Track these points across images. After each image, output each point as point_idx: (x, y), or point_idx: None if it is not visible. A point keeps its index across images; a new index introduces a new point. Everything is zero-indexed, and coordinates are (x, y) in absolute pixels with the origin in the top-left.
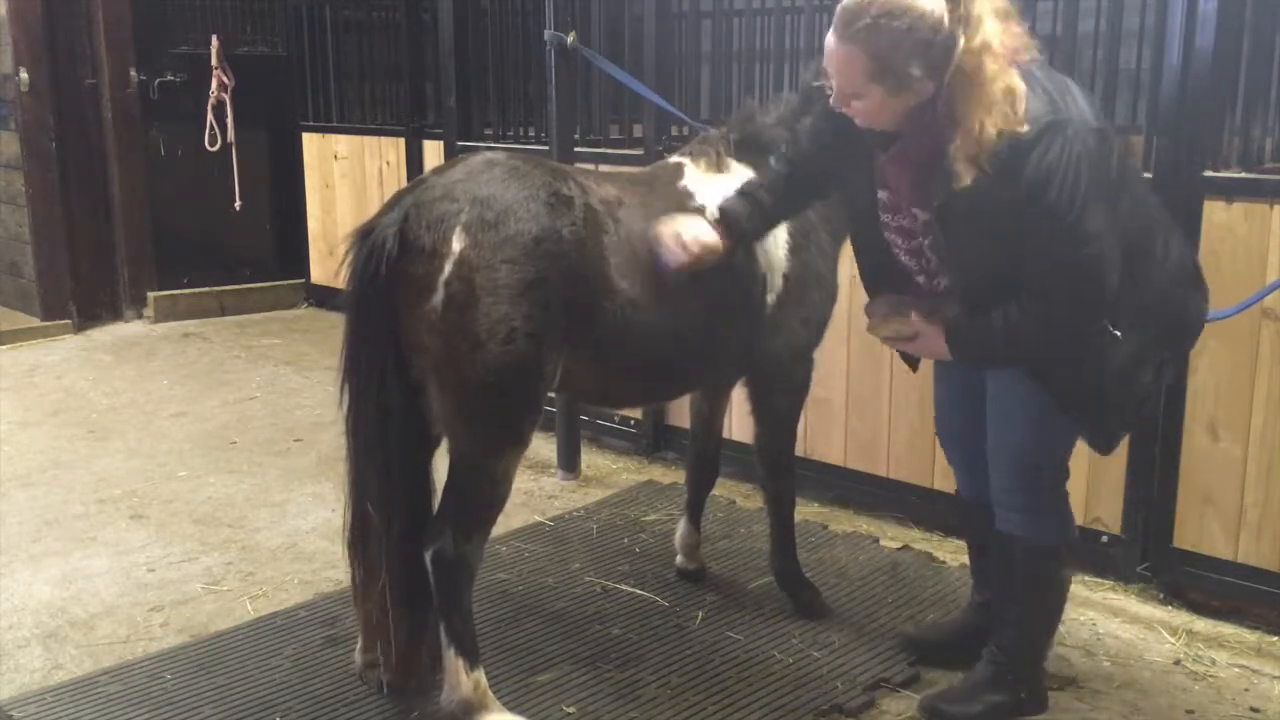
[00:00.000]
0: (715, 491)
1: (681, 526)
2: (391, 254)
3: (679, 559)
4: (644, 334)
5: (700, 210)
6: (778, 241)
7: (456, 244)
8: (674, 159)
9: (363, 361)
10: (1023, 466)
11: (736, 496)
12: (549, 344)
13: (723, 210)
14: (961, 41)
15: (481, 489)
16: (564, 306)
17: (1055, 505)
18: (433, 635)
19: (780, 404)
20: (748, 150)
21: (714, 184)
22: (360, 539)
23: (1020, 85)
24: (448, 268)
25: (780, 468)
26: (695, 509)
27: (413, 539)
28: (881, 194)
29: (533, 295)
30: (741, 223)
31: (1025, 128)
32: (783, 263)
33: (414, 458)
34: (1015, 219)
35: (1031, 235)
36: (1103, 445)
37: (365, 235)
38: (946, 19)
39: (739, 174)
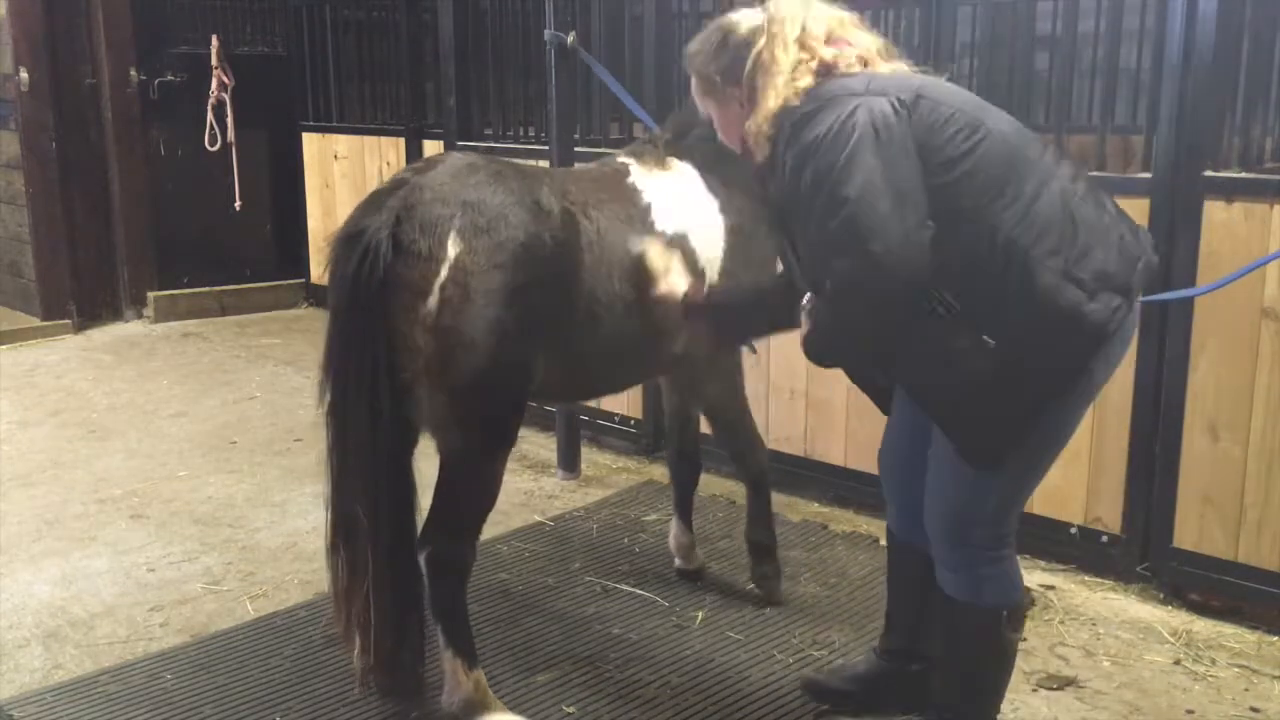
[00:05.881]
0: (715, 491)
1: (673, 528)
2: (387, 257)
3: (676, 561)
4: (603, 330)
5: (648, 208)
6: (714, 237)
7: (452, 249)
8: (620, 158)
9: (352, 363)
10: (953, 525)
11: (736, 496)
12: (535, 345)
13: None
14: (761, 40)
15: (473, 489)
16: (545, 309)
17: (994, 568)
18: (416, 636)
19: (715, 390)
20: (683, 147)
21: (658, 180)
22: (345, 541)
23: (812, 65)
24: (444, 272)
25: (746, 448)
26: (684, 508)
27: (399, 540)
28: None
29: (521, 299)
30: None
31: (798, 100)
32: (719, 258)
33: (399, 459)
34: (801, 202)
35: (810, 212)
36: (981, 461)
37: (354, 237)
38: (745, 28)
39: (679, 169)
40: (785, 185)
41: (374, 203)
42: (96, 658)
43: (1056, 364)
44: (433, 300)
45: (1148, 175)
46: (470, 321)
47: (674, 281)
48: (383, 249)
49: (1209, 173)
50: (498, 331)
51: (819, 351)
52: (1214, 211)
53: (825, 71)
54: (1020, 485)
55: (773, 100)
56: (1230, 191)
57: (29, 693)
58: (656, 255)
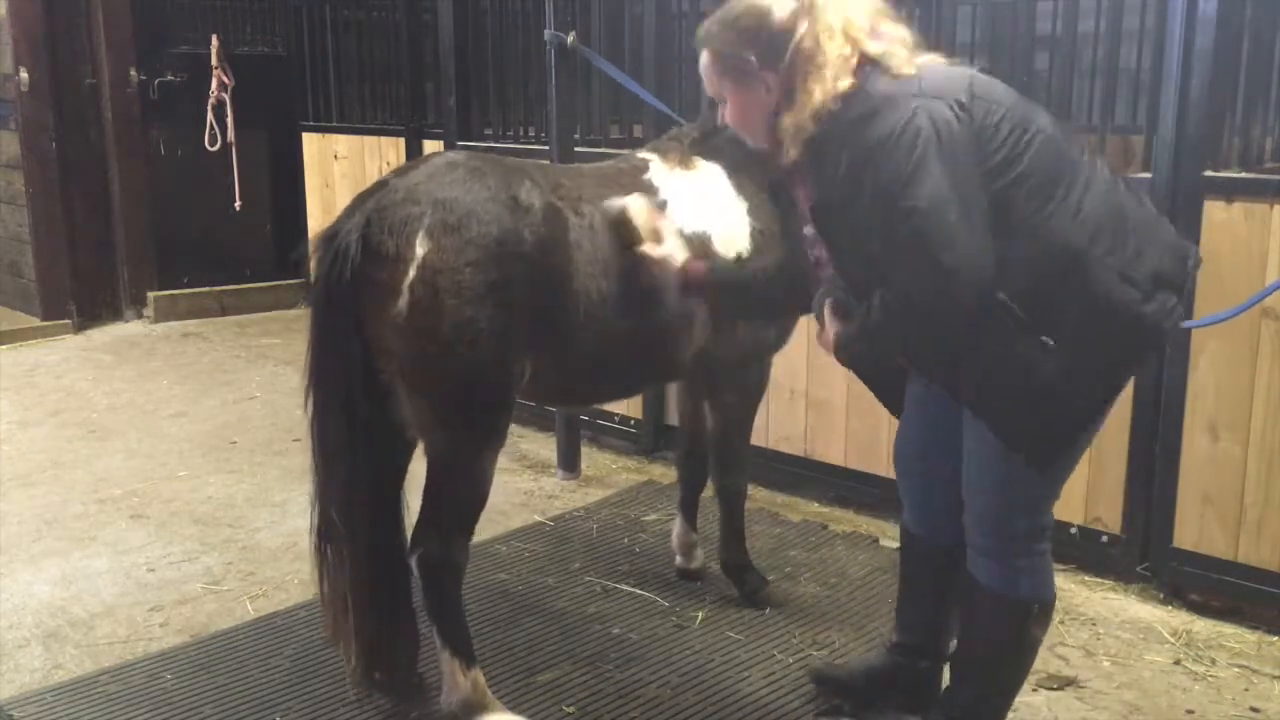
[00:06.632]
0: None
1: (677, 526)
2: (356, 259)
3: (677, 559)
4: (605, 331)
5: (663, 205)
6: (739, 241)
7: (420, 248)
8: (641, 154)
9: (329, 367)
10: (996, 516)
11: None
12: (515, 345)
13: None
14: (803, 26)
15: (459, 489)
16: (528, 307)
17: (1031, 560)
18: (408, 637)
19: (732, 402)
20: (711, 146)
21: (679, 178)
22: (327, 544)
23: (854, 61)
24: (412, 272)
25: (731, 463)
26: (689, 508)
27: (380, 542)
28: (806, 230)
29: (496, 297)
30: None
31: (838, 101)
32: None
33: (382, 462)
34: (862, 206)
35: (871, 219)
36: (1036, 461)
37: (329, 240)
38: (782, 10)
39: (705, 169)
40: (836, 187)
41: (354, 205)
42: (96, 658)
43: (1115, 364)
44: (403, 301)
45: (1148, 175)
46: (441, 321)
47: (669, 249)
48: (351, 251)
49: (1209, 173)
50: (471, 331)
51: (860, 355)
52: (1214, 211)
53: (865, 68)
54: (1061, 477)
55: (818, 96)
56: (1230, 191)
57: (29, 693)
58: (639, 212)
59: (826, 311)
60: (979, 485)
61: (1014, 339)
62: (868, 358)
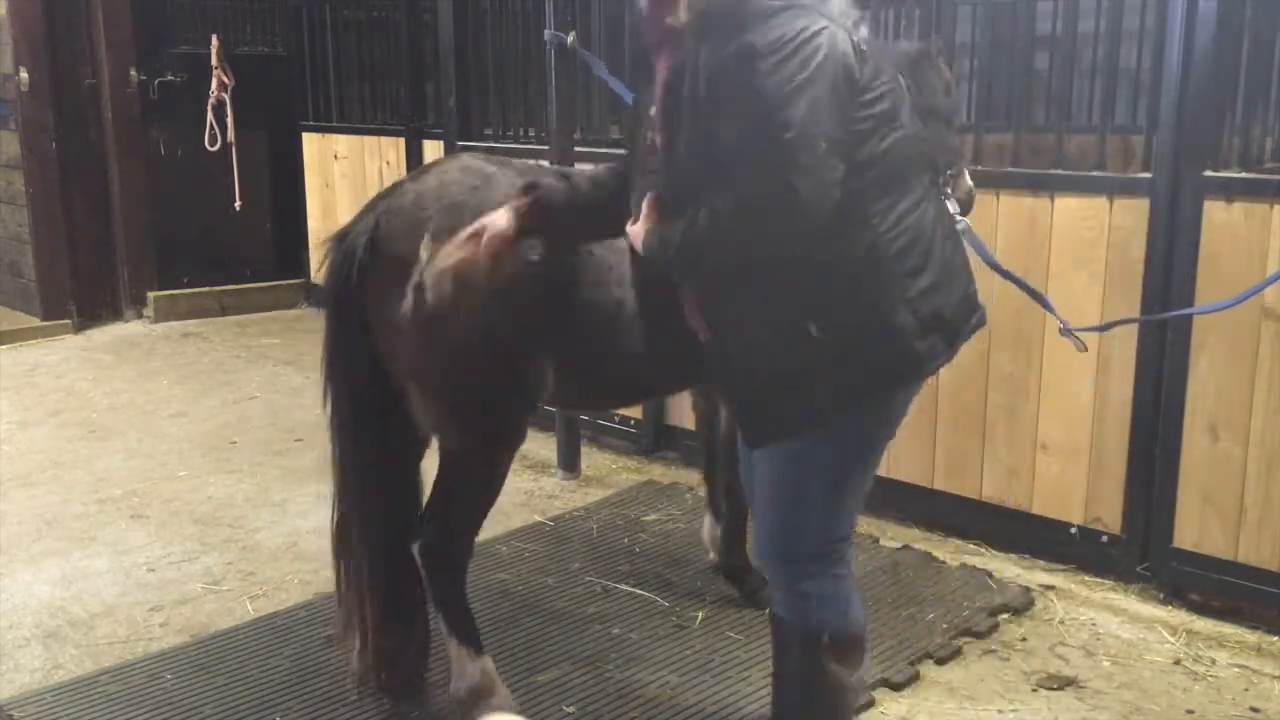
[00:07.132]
0: None
1: (706, 522)
2: (363, 261)
3: (711, 554)
4: (623, 338)
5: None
6: None
7: (424, 252)
8: None
9: (339, 367)
10: (782, 547)
11: None
12: (524, 349)
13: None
14: None
15: (465, 487)
16: (536, 312)
17: (820, 585)
18: (418, 635)
19: None
20: None
21: None
22: (344, 540)
23: None
24: (416, 275)
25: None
26: (717, 505)
27: (394, 540)
28: (652, 110)
29: (501, 302)
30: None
31: None
32: None
33: (396, 460)
34: (729, 101)
35: (734, 119)
36: (749, 438)
37: (339, 241)
38: None
39: None
40: (709, 71)
41: (368, 207)
42: (96, 658)
43: (861, 382)
44: (407, 303)
45: (1148, 175)
46: (444, 325)
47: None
48: (358, 253)
49: (1209, 173)
50: (474, 335)
51: (663, 259)
52: (1214, 212)
53: None
54: (830, 500)
55: None
56: (1230, 191)
57: (29, 693)
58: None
59: (645, 204)
60: (764, 519)
61: (786, 312)
62: (672, 265)
